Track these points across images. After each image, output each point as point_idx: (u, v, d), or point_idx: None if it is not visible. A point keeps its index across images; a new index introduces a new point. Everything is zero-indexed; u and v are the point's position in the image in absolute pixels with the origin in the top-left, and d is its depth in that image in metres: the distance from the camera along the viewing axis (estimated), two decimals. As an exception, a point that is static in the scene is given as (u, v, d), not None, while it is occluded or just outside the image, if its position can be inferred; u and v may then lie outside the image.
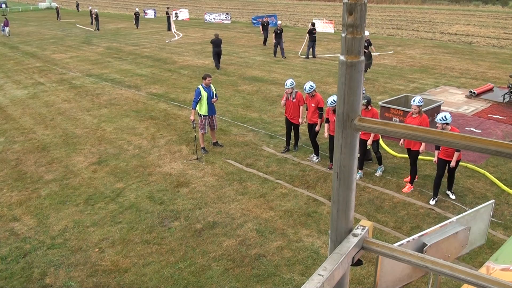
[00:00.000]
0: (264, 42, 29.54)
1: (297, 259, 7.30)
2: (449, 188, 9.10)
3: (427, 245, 3.92)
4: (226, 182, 9.99)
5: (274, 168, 10.52)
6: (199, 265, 7.21)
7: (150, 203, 9.15)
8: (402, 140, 9.81)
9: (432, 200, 8.90)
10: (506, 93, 15.14)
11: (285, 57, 24.80)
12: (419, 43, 29.67)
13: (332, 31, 35.44)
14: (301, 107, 11.06)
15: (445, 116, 8.18)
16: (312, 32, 24.25)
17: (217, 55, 22.12)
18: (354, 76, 1.31)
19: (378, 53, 21.26)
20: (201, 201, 9.20)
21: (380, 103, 12.63)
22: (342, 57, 1.31)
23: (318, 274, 1.31)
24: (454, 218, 4.26)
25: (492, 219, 7.70)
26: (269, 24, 30.33)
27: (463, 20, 43.35)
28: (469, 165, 10.36)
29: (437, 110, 12.40)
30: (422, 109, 11.74)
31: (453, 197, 9.03)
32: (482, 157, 10.83)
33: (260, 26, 30.51)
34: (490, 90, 16.58)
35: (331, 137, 10.24)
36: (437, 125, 8.21)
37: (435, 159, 8.85)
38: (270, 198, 9.25)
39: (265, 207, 8.92)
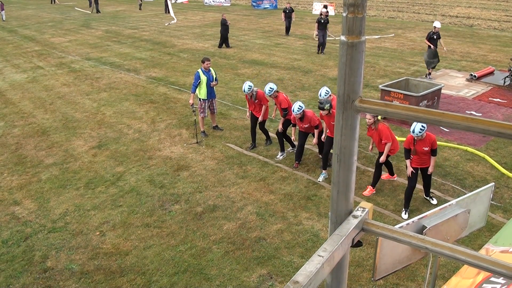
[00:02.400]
0: (287, 31, 26.18)
1: (297, 242, 7.34)
2: (427, 194, 8.40)
3: (426, 227, 3.93)
4: (226, 165, 10.00)
5: (274, 152, 10.52)
6: (200, 248, 7.25)
7: (151, 187, 9.17)
8: (370, 146, 9.28)
9: (404, 213, 8.01)
10: (507, 77, 15.08)
11: (324, 53, 20.93)
12: (420, 26, 29.46)
13: (333, 13, 35.15)
14: (264, 106, 10.47)
15: (423, 125, 7.47)
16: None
17: (221, 35, 23.05)
18: (355, 57, 1.29)
19: (446, 49, 17.83)
20: (202, 184, 9.22)
21: (380, 86, 12.58)
22: (343, 37, 1.29)
23: (318, 255, 1.31)
24: (454, 201, 4.27)
25: (492, 202, 7.71)
26: (293, 11, 25.70)
27: (464, 2, 42.98)
28: (469, 149, 10.36)
29: (438, 93, 12.36)
30: (425, 93, 11.72)
31: (434, 202, 8.29)
32: (482, 140, 10.82)
33: (282, 14, 26.02)
34: (491, 73, 16.51)
35: (301, 134, 9.70)
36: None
37: (409, 171, 7.90)
38: (270, 182, 9.26)
39: (265, 190, 8.94)
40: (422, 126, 7.48)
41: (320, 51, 20.88)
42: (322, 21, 20.11)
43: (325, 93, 9.67)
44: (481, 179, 9.11)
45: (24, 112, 13.90)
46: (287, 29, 26.17)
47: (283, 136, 10.29)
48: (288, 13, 25.43)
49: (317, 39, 21.07)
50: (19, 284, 6.62)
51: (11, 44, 26.18)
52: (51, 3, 51.40)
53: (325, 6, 24.44)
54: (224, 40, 23.01)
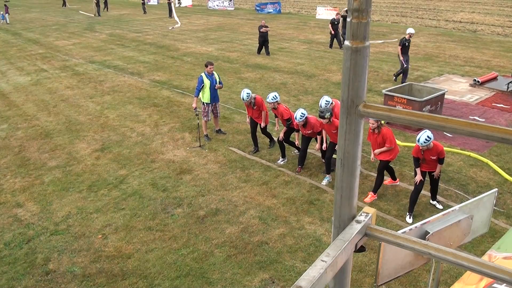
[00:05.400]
0: (340, 45, 22.60)
1: (299, 246, 7.32)
2: (434, 198, 8.38)
3: (429, 233, 3.93)
4: (229, 169, 10.00)
5: (277, 156, 10.51)
6: (202, 252, 7.24)
7: (153, 190, 9.17)
8: (372, 155, 9.04)
9: (409, 218, 8.00)
10: (510, 82, 15.05)
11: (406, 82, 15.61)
12: (423, 31, 29.46)
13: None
14: (263, 112, 10.49)
15: (428, 136, 7.42)
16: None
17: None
18: (359, 62, 1.29)
19: None
20: (204, 188, 9.22)
21: (383, 91, 12.58)
22: (347, 42, 1.29)
23: (321, 260, 1.30)
24: (457, 207, 4.26)
25: (495, 208, 7.69)
26: (339, 23, 22.97)
27: (468, 7, 42.99)
28: (472, 154, 10.33)
29: (441, 98, 12.34)
30: (428, 98, 11.70)
31: (440, 206, 8.26)
32: (485, 146, 10.80)
33: (330, 25, 23.01)
34: (494, 78, 16.48)
35: (304, 139, 9.76)
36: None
37: (417, 179, 7.87)
38: (272, 186, 9.26)
39: (268, 194, 8.93)
40: (428, 136, 7.41)
41: (403, 79, 16.10)
42: (407, 44, 15.70)
43: (325, 103, 9.56)
44: (484, 185, 9.08)
45: (28, 115, 13.94)
46: (339, 41, 22.98)
47: (285, 141, 10.28)
48: (337, 25, 22.85)
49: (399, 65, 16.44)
50: (21, 287, 6.62)
51: (15, 47, 26.29)
52: (63, 6, 51.71)
53: (347, 11, 23.34)
54: (261, 47, 22.10)
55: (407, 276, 6.21)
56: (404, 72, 16.05)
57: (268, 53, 21.95)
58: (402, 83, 15.23)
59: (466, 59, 20.60)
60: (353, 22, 1.26)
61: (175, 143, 11.44)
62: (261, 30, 21.38)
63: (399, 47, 15.77)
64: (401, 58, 15.76)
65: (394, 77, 16.64)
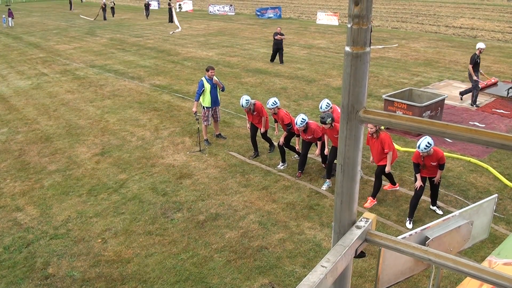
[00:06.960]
0: None
1: (299, 252, 7.31)
2: (434, 204, 8.38)
3: (429, 238, 3.93)
4: (229, 174, 10.00)
5: (277, 161, 10.51)
6: (202, 257, 7.23)
7: (153, 195, 9.17)
8: (371, 158, 9.04)
9: (409, 223, 8.00)
10: (510, 88, 15.06)
11: (477, 105, 14.34)
12: (423, 36, 29.51)
13: (337, 23, 35.30)
14: (263, 118, 10.48)
15: (428, 143, 7.38)
16: None
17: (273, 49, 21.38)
18: (359, 67, 1.30)
19: None
20: (204, 193, 9.21)
21: (384, 96, 12.58)
22: (347, 48, 1.30)
23: (321, 266, 1.30)
24: (457, 212, 4.26)
25: (495, 213, 7.69)
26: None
27: (468, 13, 43.09)
28: (472, 160, 10.33)
29: (441, 104, 12.35)
30: (429, 103, 11.72)
31: (440, 212, 8.30)
32: (485, 151, 10.80)
33: None
34: (494, 84, 16.50)
35: (305, 144, 9.75)
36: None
37: (417, 185, 7.85)
38: (272, 191, 9.25)
39: (268, 199, 8.92)
40: (428, 143, 7.38)
41: (473, 102, 14.41)
42: (478, 60, 14.08)
43: (326, 105, 9.56)
44: (484, 190, 9.08)
45: (28, 119, 13.95)
46: None
47: (286, 146, 10.28)
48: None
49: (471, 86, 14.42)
50: (20, 291, 6.61)
51: (16, 50, 26.34)
52: (70, 9, 52.13)
53: None
54: (274, 54, 21.43)
55: (407, 281, 6.20)
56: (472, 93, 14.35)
57: (281, 61, 21.24)
58: (472, 104, 14.28)
59: (466, 65, 20.55)
60: (353, 28, 1.27)
61: (175, 148, 11.44)
62: (276, 37, 20.74)
63: (471, 66, 13.92)
64: (474, 77, 13.87)
65: (461, 96, 14.79)
